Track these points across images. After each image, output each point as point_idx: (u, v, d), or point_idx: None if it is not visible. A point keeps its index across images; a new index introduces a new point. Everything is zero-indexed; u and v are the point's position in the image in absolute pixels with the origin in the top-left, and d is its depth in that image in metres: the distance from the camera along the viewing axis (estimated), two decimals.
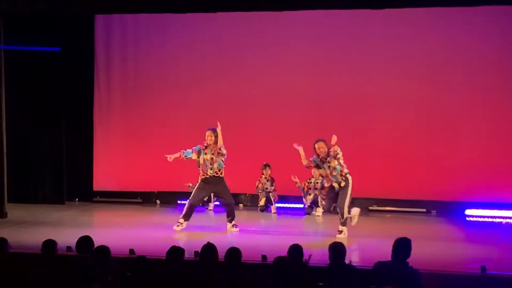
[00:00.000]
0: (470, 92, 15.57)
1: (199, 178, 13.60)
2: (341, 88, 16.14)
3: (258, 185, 16.12)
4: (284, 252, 8.59)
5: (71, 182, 17.17)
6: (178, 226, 13.43)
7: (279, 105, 16.32)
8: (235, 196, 16.69)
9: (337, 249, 8.55)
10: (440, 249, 12.13)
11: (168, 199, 16.99)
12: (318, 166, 13.24)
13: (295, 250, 8.74)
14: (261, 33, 16.49)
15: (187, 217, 13.50)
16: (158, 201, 17.14)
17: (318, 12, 15.35)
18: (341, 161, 13.05)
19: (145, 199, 17.16)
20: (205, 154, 13.47)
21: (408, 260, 8.47)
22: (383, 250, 8.94)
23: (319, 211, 15.52)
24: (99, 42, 17.17)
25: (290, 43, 16.33)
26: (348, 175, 13.09)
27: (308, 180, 15.72)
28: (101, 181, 17.31)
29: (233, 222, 13.55)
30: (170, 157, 13.55)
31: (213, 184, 13.59)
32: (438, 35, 15.74)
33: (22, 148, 16.86)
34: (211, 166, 13.45)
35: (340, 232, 13.03)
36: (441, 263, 10.76)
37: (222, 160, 13.46)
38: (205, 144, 13.49)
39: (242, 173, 16.13)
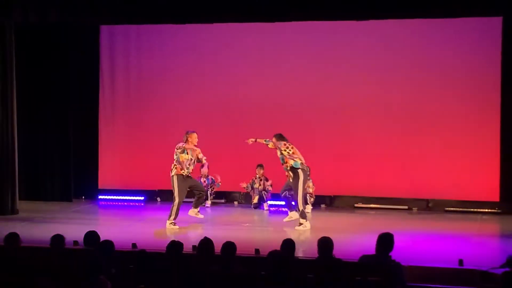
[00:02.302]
0: (447, 97, 15.57)
1: (176, 174, 13.65)
2: (329, 95, 16.12)
3: (252, 184, 16.08)
4: (275, 246, 8.59)
5: (78, 181, 17.16)
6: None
7: (272, 109, 16.31)
8: (230, 194, 16.75)
9: (325, 243, 8.57)
10: (421, 243, 12.14)
11: (168, 197, 16.89)
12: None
13: (288, 244, 8.76)
14: (254, 42, 16.48)
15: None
16: (158, 199, 17.12)
17: (306, 23, 15.38)
18: (285, 153, 13.39)
19: (147, 196, 17.14)
20: (186, 154, 13.54)
21: (391, 253, 8.49)
22: (368, 244, 8.96)
23: (308, 208, 15.52)
24: (104, 50, 17.14)
25: (282, 51, 16.32)
26: (299, 171, 13.30)
27: None
28: (106, 180, 17.29)
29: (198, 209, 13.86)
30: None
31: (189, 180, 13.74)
32: (414, 45, 15.74)
33: (33, 149, 16.85)
34: (188, 166, 13.59)
35: (300, 224, 13.28)
36: (421, 256, 10.77)
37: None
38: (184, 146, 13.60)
39: (237, 172, 16.13)
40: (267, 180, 16.05)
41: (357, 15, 13.67)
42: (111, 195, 17.09)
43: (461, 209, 15.52)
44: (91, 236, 9.16)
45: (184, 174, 13.53)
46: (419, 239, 12.51)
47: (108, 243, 8.70)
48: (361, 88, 15.94)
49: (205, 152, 13.95)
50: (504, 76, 15.20)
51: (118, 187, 17.18)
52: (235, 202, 16.71)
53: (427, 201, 15.88)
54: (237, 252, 8.57)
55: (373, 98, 15.88)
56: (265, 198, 15.96)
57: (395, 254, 8.54)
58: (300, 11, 13.45)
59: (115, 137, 17.22)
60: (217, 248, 8.61)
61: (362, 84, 15.95)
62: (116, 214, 15.60)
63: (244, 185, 15.97)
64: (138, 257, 8.49)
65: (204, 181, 16.18)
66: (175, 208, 13.50)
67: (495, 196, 15.33)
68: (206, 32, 16.42)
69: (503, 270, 8.47)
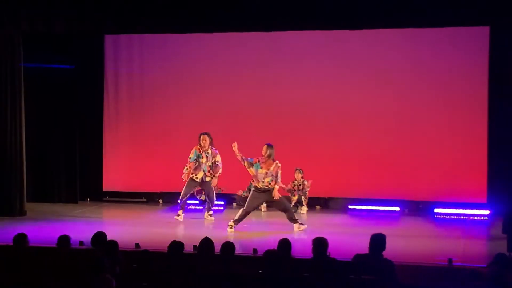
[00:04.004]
0: (437, 102, 15.59)
1: (252, 187, 13.51)
2: (323, 100, 16.12)
3: (249, 187, 16.07)
4: (272, 246, 8.59)
5: (83, 184, 17.14)
6: (231, 228, 13.18)
7: (268, 114, 16.32)
8: (229, 196, 16.72)
9: (319, 243, 8.57)
10: (412, 243, 12.15)
11: (169, 199, 16.94)
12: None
13: (285, 243, 8.76)
14: (252, 50, 16.48)
15: (238, 221, 13.23)
16: (160, 201, 17.10)
17: (303, 33, 15.39)
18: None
19: (149, 198, 17.12)
20: (261, 168, 13.21)
21: (383, 253, 8.49)
22: (361, 244, 8.96)
23: (303, 209, 15.54)
24: (108, 58, 17.14)
25: (279, 59, 16.32)
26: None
27: (292, 183, 15.77)
28: (110, 182, 17.28)
29: (299, 223, 13.26)
30: (238, 154, 13.31)
31: (265, 194, 13.31)
32: (406, 52, 15.75)
33: (40, 153, 16.85)
34: (263, 180, 13.20)
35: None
36: (412, 255, 10.78)
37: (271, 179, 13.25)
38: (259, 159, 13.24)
39: (236, 175, 16.11)
40: None
41: (352, 24, 13.68)
42: (115, 197, 17.08)
43: (450, 210, 15.52)
44: (99, 236, 9.15)
45: (258, 186, 13.30)
46: (410, 239, 12.51)
47: (113, 243, 8.70)
48: (355, 93, 15.95)
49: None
50: (491, 82, 15.22)
51: (121, 190, 17.17)
52: (234, 204, 16.68)
53: (418, 202, 15.88)
54: (236, 251, 8.57)
55: (366, 103, 15.89)
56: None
57: (387, 253, 8.55)
58: (297, 21, 13.48)
59: (119, 142, 17.22)
60: (217, 248, 8.61)
61: (355, 89, 15.95)
62: (119, 215, 15.60)
63: (241, 192, 16.03)
64: (141, 257, 8.49)
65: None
66: (240, 214, 13.28)
67: (482, 198, 15.34)
68: (207, 40, 16.42)
69: (491, 268, 8.48)
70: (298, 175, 15.72)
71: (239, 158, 13.24)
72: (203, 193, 14.62)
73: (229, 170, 15.67)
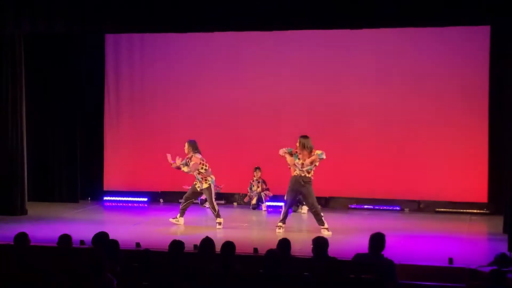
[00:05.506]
0: (438, 102, 15.60)
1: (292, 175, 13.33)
2: (325, 99, 16.12)
3: (251, 187, 16.12)
4: (273, 246, 8.61)
5: (84, 183, 17.16)
6: (280, 228, 13.10)
7: (269, 113, 16.33)
8: (230, 195, 16.74)
9: (320, 243, 8.59)
10: (412, 243, 12.15)
11: (170, 198, 16.96)
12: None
13: (284, 243, 8.77)
14: (253, 49, 16.50)
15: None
16: (161, 200, 17.12)
17: (304, 33, 15.38)
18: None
19: (150, 198, 17.14)
20: (298, 159, 13.13)
21: (384, 252, 8.50)
22: (361, 244, 8.97)
23: (304, 209, 15.55)
24: (109, 58, 17.16)
25: (279, 58, 16.33)
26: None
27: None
28: (111, 182, 17.30)
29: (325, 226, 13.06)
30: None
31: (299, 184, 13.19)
32: (407, 52, 15.76)
33: (41, 153, 16.86)
34: (301, 169, 13.13)
35: (219, 223, 13.61)
36: (413, 255, 10.79)
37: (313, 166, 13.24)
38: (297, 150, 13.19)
39: (236, 174, 16.14)
40: (264, 182, 16.08)
41: (353, 24, 13.67)
42: (115, 197, 17.10)
43: (451, 209, 15.55)
44: (101, 237, 9.15)
45: (296, 174, 13.21)
46: (410, 239, 12.53)
47: (114, 243, 8.71)
48: (356, 93, 15.96)
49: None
50: (491, 82, 15.24)
51: (122, 189, 17.19)
52: (234, 203, 16.71)
53: (419, 202, 15.91)
54: (236, 251, 8.59)
55: (367, 103, 15.90)
56: (263, 199, 15.98)
57: (388, 253, 8.56)
58: (297, 20, 13.46)
59: (119, 141, 17.24)
60: (217, 247, 8.63)
61: (356, 89, 15.96)
62: (120, 214, 15.61)
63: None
64: (142, 256, 8.51)
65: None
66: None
67: (483, 197, 15.35)
68: (207, 40, 16.44)
69: (490, 268, 8.49)
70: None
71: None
72: (206, 200, 14.57)
73: (230, 170, 15.73)
